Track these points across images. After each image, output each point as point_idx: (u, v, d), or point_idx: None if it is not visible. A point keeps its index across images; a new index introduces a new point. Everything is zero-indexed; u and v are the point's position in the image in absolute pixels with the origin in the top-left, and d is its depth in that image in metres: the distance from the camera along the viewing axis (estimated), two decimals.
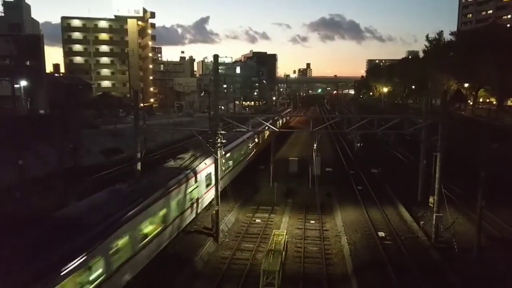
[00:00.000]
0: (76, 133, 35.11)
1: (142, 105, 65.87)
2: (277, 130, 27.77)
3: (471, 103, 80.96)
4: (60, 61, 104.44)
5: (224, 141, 22.67)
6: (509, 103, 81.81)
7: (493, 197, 21.15)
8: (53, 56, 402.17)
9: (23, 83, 55.29)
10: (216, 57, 23.85)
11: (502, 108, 71.19)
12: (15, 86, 46.23)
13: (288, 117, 69.74)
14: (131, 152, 29.81)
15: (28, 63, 60.04)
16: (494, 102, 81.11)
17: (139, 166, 23.53)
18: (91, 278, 12.16)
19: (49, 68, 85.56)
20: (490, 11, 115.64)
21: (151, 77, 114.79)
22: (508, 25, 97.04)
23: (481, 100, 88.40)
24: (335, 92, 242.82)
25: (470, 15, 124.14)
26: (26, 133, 34.30)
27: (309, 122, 25.40)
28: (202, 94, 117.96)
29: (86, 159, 36.57)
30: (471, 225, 23.29)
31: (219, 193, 22.75)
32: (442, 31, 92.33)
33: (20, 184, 28.07)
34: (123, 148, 45.09)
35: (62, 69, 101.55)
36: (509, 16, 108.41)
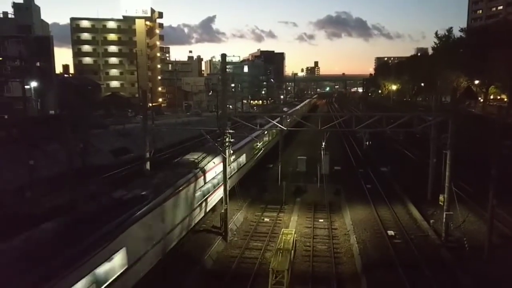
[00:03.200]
0: (85, 133, 35.39)
1: (150, 104, 66.10)
2: (286, 129, 27.65)
3: (481, 100, 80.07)
4: (69, 61, 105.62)
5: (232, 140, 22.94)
6: None
7: (505, 195, 20.90)
8: (61, 57, 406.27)
9: (33, 84, 55.89)
10: (224, 56, 23.88)
11: None
12: (26, 87, 46.78)
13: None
14: (140, 152, 29.98)
15: (38, 64, 60.68)
16: (505, 99, 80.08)
17: (148, 166, 23.68)
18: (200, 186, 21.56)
19: (58, 69, 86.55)
20: (500, 7, 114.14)
21: (159, 77, 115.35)
22: None
23: (491, 97, 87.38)
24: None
25: (480, 11, 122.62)
26: (37, 133, 34.70)
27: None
28: (210, 93, 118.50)
29: (95, 158, 36.84)
30: (482, 223, 23.06)
31: (227, 192, 22.79)
32: (451, 28, 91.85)
33: (31, 183, 28.40)
34: (132, 147, 45.35)
35: (71, 70, 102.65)
36: None
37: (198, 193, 21.33)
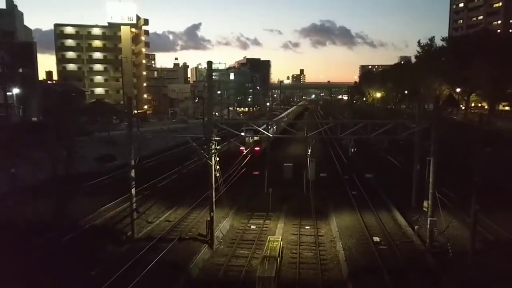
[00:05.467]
0: (69, 140, 34.94)
1: (135, 112, 65.64)
2: (272, 136, 27.75)
3: (463, 107, 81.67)
4: (52, 68, 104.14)
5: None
6: (500, 107, 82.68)
7: (486, 201, 21.29)
8: (44, 63, 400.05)
9: (16, 90, 54.96)
10: (210, 63, 23.92)
11: (494, 113, 71.86)
12: (8, 93, 46.02)
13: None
14: (124, 159, 29.70)
15: (20, 70, 59.70)
16: (486, 107, 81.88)
17: (133, 173, 23.45)
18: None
19: (41, 76, 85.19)
20: (481, 17, 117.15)
21: (144, 84, 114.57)
22: (498, 31, 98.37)
23: (473, 104, 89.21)
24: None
25: (461, 20, 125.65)
26: (19, 141, 34.10)
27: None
28: (196, 100, 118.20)
29: (80, 166, 36.38)
30: (465, 229, 23.42)
31: (213, 199, 22.70)
32: (433, 37, 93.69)
33: (14, 192, 27.84)
34: (116, 155, 44.90)
35: (55, 76, 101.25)
36: (499, 22, 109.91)
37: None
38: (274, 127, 50.44)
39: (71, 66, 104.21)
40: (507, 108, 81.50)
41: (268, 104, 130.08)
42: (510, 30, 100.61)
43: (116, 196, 29.44)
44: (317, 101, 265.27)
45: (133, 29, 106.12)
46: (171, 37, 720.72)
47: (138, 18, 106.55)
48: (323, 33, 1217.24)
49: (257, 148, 35.99)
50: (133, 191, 23.38)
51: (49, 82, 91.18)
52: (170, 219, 27.07)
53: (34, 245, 20.69)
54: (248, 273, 19.78)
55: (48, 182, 30.37)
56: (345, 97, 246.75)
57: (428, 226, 21.83)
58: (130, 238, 23.03)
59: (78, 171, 34.45)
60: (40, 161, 34.97)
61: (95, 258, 19.82)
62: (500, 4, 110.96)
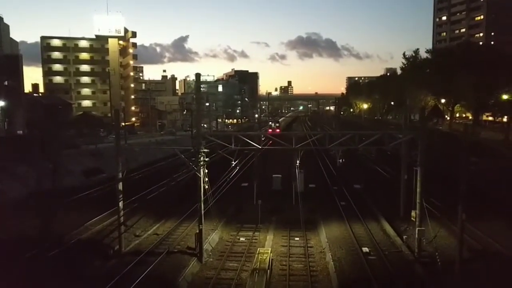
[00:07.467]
0: (55, 154, 34.50)
1: (123, 124, 65.20)
2: (260, 148, 27.75)
3: (448, 118, 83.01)
4: (38, 80, 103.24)
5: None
6: (484, 117, 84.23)
7: (473, 210, 21.53)
8: (30, 76, 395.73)
9: (1, 103, 54.32)
10: (198, 75, 24.02)
11: (478, 123, 73.16)
12: None
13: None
14: (112, 172, 29.38)
15: (6, 83, 59.13)
16: (470, 117, 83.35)
17: (120, 186, 23.19)
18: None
19: (27, 88, 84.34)
20: (463, 30, 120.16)
21: (132, 96, 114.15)
22: (480, 43, 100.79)
23: (457, 115, 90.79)
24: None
25: (444, 33, 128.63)
26: (3, 154, 33.57)
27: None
28: (185, 112, 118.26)
29: (66, 179, 35.86)
30: (453, 238, 23.61)
31: (202, 212, 22.55)
32: (418, 49, 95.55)
33: None
34: (104, 168, 44.41)
35: (41, 89, 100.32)
36: (481, 34, 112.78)
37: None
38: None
39: (58, 79, 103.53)
40: (490, 118, 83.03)
41: (256, 115, 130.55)
42: (492, 42, 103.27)
43: (103, 210, 29.05)
44: (306, 112, 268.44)
45: (121, 42, 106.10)
46: (158, 49, 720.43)
47: (125, 30, 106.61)
48: (310, 45, 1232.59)
49: (277, 130, 44.91)
50: (120, 204, 23.11)
51: (35, 94, 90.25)
52: (159, 232, 26.77)
53: (19, 261, 20.22)
54: (238, 286, 19.61)
55: (33, 196, 29.84)
56: (333, 108, 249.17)
57: (416, 235, 21.96)
58: (117, 253, 22.69)
59: (64, 184, 33.94)
60: (25, 175, 34.43)
61: (81, 274, 19.47)
62: (482, 17, 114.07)
